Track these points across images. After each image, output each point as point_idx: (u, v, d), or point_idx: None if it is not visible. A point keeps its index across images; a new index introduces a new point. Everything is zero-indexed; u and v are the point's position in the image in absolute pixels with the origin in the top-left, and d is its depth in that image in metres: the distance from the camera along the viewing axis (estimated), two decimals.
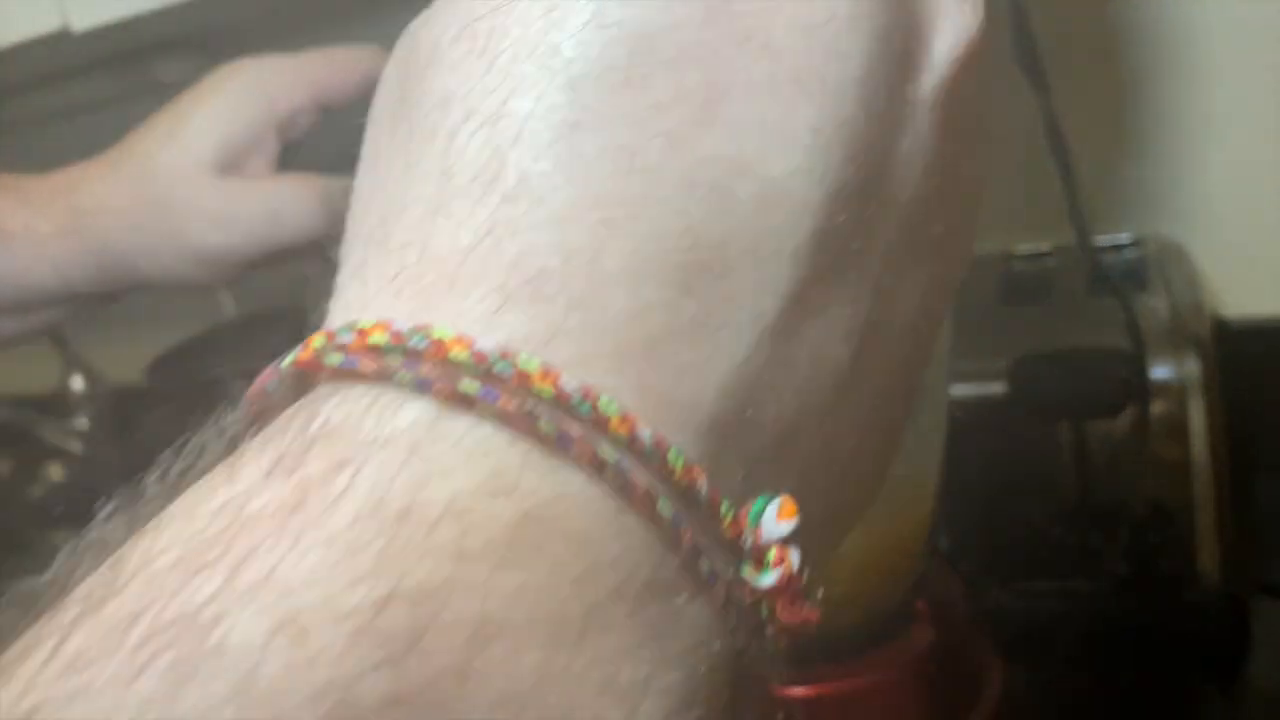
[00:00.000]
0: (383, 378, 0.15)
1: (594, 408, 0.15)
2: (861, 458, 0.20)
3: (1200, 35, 0.67)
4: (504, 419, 0.15)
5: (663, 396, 0.16)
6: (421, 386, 0.15)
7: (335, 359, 0.15)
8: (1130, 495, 0.52)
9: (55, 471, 1.04)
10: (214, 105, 0.49)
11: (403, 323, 0.15)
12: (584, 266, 0.16)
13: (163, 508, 0.16)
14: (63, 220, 0.51)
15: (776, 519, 0.16)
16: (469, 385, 0.15)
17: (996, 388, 0.54)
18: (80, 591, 0.15)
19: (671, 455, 0.15)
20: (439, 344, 0.15)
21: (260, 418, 0.17)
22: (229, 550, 0.14)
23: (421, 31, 0.18)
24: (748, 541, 0.16)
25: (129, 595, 0.14)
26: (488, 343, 0.15)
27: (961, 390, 0.54)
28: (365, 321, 0.15)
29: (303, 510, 0.14)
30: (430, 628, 0.13)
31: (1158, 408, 0.51)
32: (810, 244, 0.17)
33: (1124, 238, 0.65)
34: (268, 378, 0.17)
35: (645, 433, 0.15)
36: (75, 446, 1.03)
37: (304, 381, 0.16)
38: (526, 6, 0.17)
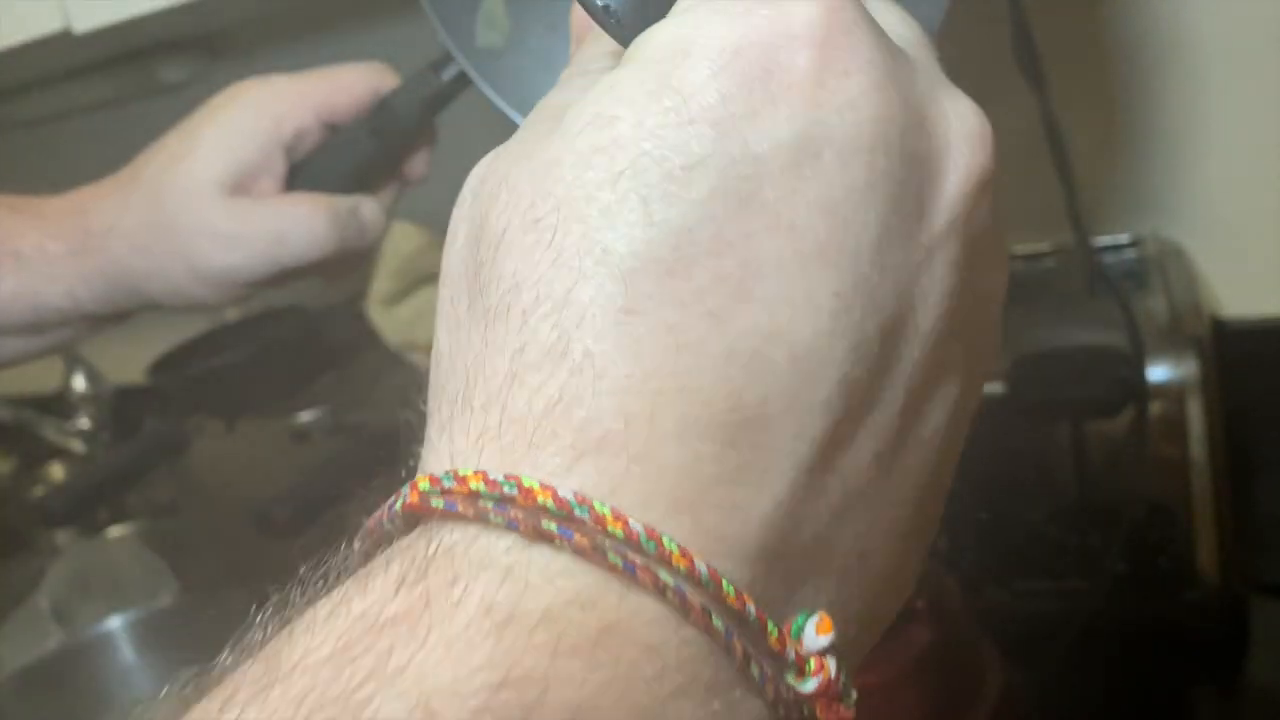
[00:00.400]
0: (480, 519, 0.18)
1: (658, 545, 0.18)
2: (897, 561, 0.22)
3: (1198, 37, 0.67)
4: (580, 552, 0.18)
5: (713, 532, 0.19)
6: (511, 525, 0.18)
7: (439, 503, 0.19)
8: (1129, 495, 0.52)
9: (56, 471, 1.04)
10: (221, 127, 0.50)
11: (495, 472, 0.19)
12: (642, 429, 0.19)
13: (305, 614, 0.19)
14: (74, 241, 0.51)
15: (816, 633, 0.19)
16: (549, 525, 0.18)
17: (996, 388, 0.54)
18: (245, 679, 0.18)
19: (725, 585, 0.18)
20: (528, 491, 0.18)
21: (375, 547, 0.20)
22: (372, 647, 0.17)
23: (491, 212, 0.21)
24: (791, 654, 0.19)
25: (293, 682, 0.17)
26: (566, 491, 0.18)
27: None
28: (464, 470, 0.19)
29: (428, 614, 0.17)
30: (536, 708, 0.17)
31: (1156, 408, 0.52)
32: (839, 391, 0.20)
33: (1123, 238, 0.65)
34: (382, 516, 0.20)
35: (702, 567, 0.18)
36: (76, 446, 1.03)
37: (411, 519, 0.20)
38: (584, 206, 0.20)
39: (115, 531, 0.87)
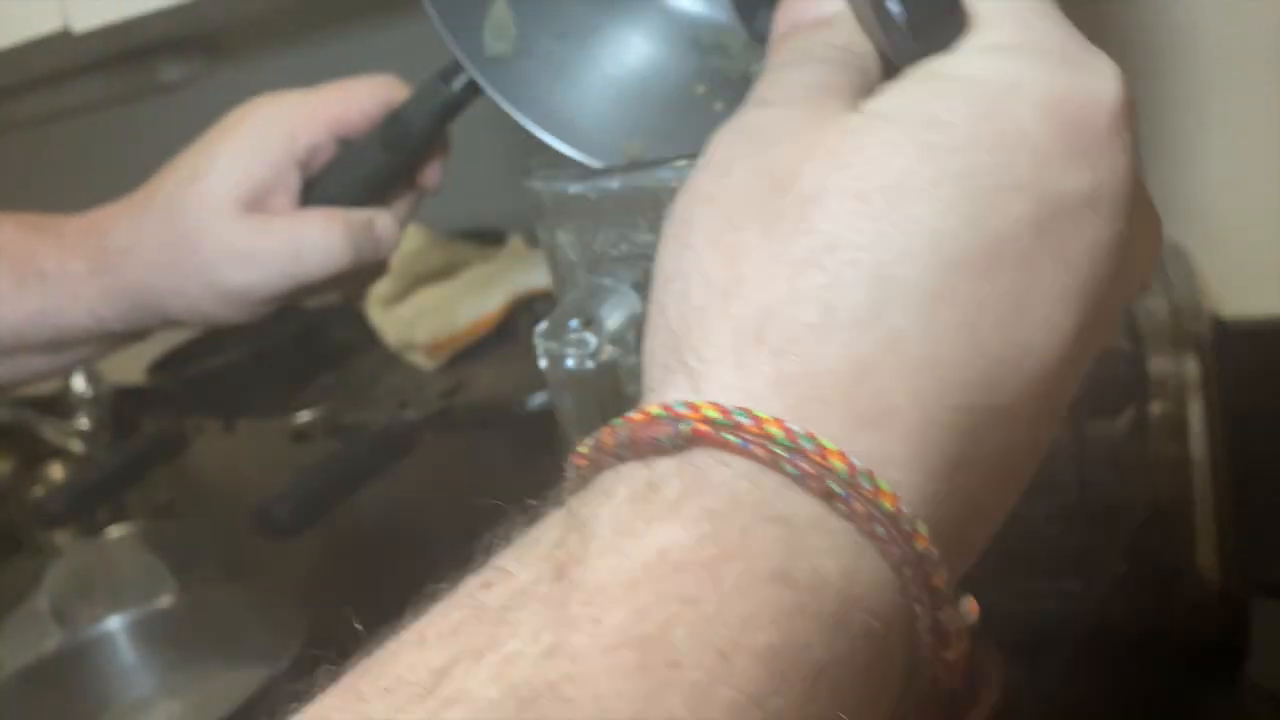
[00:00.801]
0: (773, 466, 0.20)
1: (913, 525, 0.20)
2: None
3: (1199, 37, 0.67)
4: (852, 519, 0.20)
5: (951, 519, 0.22)
6: (800, 481, 0.20)
7: (733, 439, 0.20)
8: (1129, 495, 0.52)
9: (56, 471, 1.05)
10: (235, 144, 0.50)
11: (793, 423, 0.20)
12: (920, 411, 0.21)
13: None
14: (95, 261, 0.51)
15: (969, 609, 0.23)
16: (835, 487, 0.20)
17: None
18: (537, 584, 0.20)
19: (940, 576, 0.21)
20: (823, 450, 0.20)
21: (642, 456, 0.21)
22: (674, 589, 0.19)
23: (803, 166, 0.22)
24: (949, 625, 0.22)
25: (634, 596, 0.19)
26: (854, 458, 0.20)
27: None
28: (760, 411, 0.20)
29: (728, 561, 0.19)
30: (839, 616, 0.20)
31: (1157, 407, 0.52)
32: (1062, 407, 0.24)
33: None
34: (661, 430, 0.21)
35: (943, 576, 0.21)
36: (76, 446, 1.03)
37: (686, 440, 0.21)
38: (915, 193, 0.21)
39: (115, 532, 0.87)
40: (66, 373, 0.58)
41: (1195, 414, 0.51)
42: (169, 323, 0.53)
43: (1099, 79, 0.23)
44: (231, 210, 0.49)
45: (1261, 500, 0.65)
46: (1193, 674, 0.53)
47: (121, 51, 0.84)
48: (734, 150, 0.24)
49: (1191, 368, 0.51)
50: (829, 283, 0.21)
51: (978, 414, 0.21)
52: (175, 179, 0.51)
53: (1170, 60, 0.68)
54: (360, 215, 0.50)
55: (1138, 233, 0.24)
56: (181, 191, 0.50)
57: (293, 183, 0.50)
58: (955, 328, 0.21)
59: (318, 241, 0.49)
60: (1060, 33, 0.24)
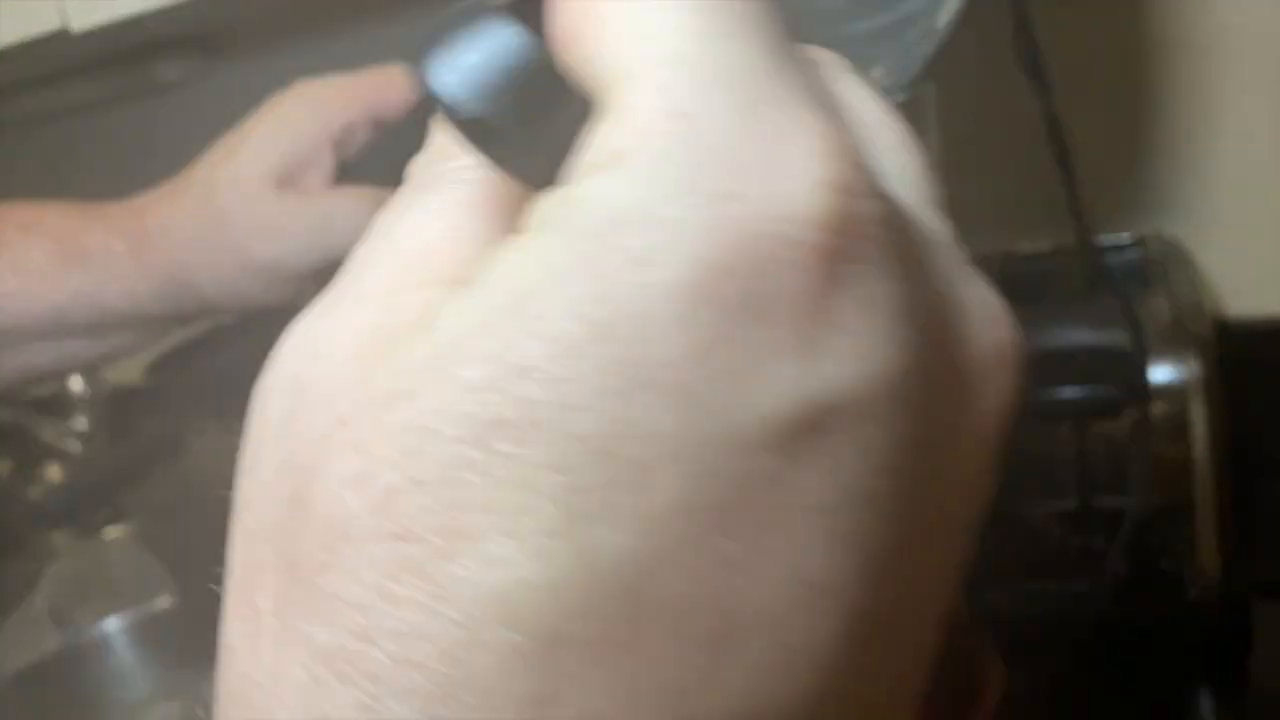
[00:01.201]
0: None
1: None
2: None
3: (1201, 36, 0.67)
4: None
5: None
6: None
7: None
8: (1131, 495, 0.52)
9: (54, 472, 1.04)
10: (271, 124, 0.52)
11: None
12: None
13: None
14: (135, 239, 0.53)
15: None
16: None
17: None
18: None
19: None
20: None
21: None
22: None
23: (318, 466, 0.14)
24: None
25: None
26: None
27: None
28: None
29: None
30: None
31: (1159, 408, 0.52)
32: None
33: (1125, 238, 0.65)
34: None
35: None
36: (74, 447, 1.03)
37: None
38: (474, 515, 0.13)
39: (113, 533, 0.87)
40: (105, 362, 0.61)
41: (1197, 415, 0.51)
42: (203, 306, 0.55)
43: (786, 205, 0.13)
44: (263, 186, 0.51)
45: (1264, 501, 0.65)
46: (1194, 674, 0.53)
47: (121, 51, 0.84)
48: (270, 410, 0.15)
49: (1193, 368, 0.51)
50: (352, 701, 0.13)
51: None
52: (212, 159, 0.53)
53: (1174, 59, 0.68)
54: (392, 194, 0.51)
55: (952, 407, 0.15)
56: (216, 170, 0.52)
57: (326, 162, 0.52)
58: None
59: (348, 217, 0.50)
60: (740, 103, 0.14)
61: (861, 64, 0.44)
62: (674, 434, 0.13)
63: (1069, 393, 0.52)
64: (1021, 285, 0.66)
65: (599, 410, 0.13)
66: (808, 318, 0.13)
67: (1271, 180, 0.67)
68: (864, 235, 0.14)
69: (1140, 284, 0.60)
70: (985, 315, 0.16)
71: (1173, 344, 0.52)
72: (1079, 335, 0.54)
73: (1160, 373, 0.52)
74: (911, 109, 0.34)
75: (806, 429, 0.13)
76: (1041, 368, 0.53)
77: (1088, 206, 0.64)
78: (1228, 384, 0.53)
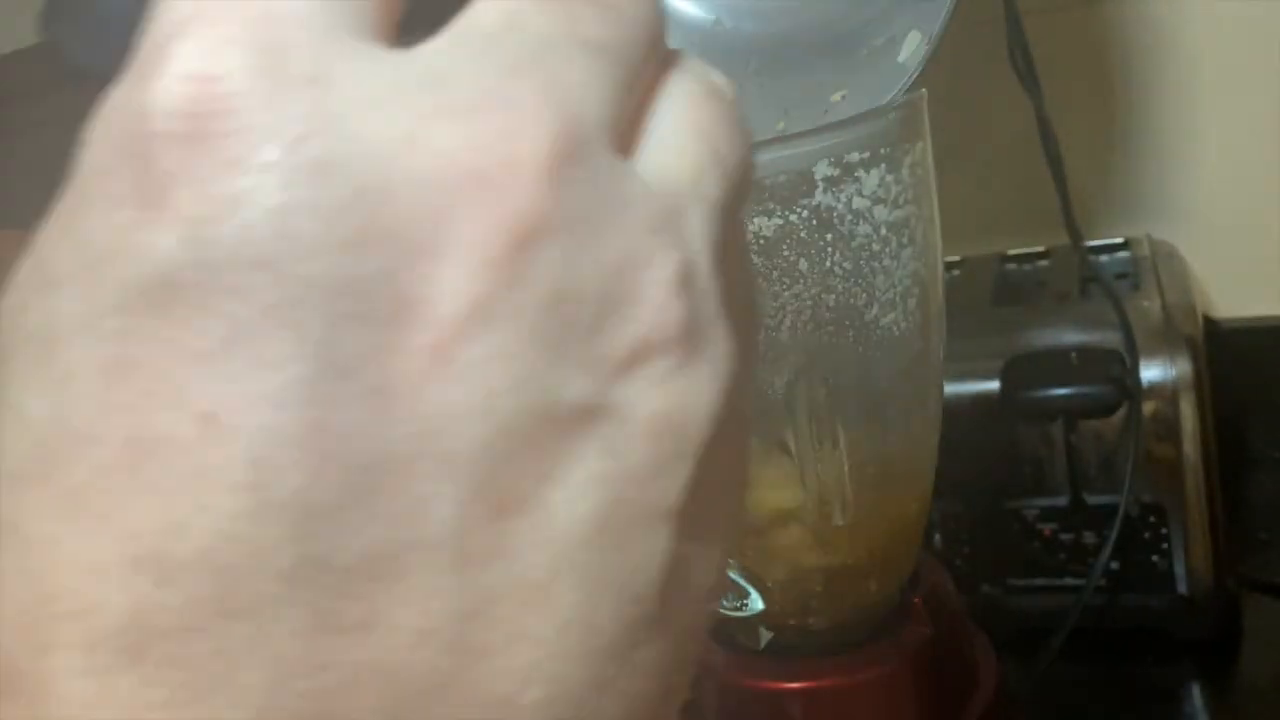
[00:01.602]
0: None
1: None
2: None
3: (1190, 40, 0.67)
4: None
5: None
6: None
7: None
8: (1122, 493, 0.52)
9: None
10: None
11: None
12: None
13: None
14: None
15: None
16: None
17: (990, 387, 0.54)
18: None
19: None
20: None
21: None
22: None
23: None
24: None
25: None
26: None
27: (956, 389, 0.55)
28: None
29: None
30: None
31: (1149, 407, 0.52)
32: None
33: (1116, 239, 0.66)
34: None
35: None
36: None
37: None
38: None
39: None
40: None
41: (1188, 413, 0.52)
42: None
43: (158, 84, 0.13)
44: None
45: (1252, 497, 0.65)
46: (1185, 671, 0.54)
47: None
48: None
49: (1183, 367, 0.52)
50: None
51: None
52: None
53: (1163, 64, 0.68)
54: None
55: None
56: None
57: None
58: None
59: None
60: None
61: (826, 89, 0.45)
62: None
63: (1060, 392, 0.52)
64: (1014, 286, 0.66)
65: None
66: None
67: (1260, 183, 0.68)
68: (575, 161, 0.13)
69: (1131, 285, 0.60)
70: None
71: (1163, 344, 0.52)
72: (1070, 335, 0.55)
73: (1150, 372, 0.52)
74: (904, 114, 0.34)
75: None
76: (1033, 367, 0.54)
77: (1079, 209, 0.65)
78: (1217, 383, 0.54)
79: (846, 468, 0.37)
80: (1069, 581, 0.55)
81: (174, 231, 0.12)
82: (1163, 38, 0.67)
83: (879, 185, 0.34)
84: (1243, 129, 0.67)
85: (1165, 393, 0.52)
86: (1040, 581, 0.56)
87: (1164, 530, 0.53)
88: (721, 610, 0.36)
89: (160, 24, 0.13)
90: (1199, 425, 0.52)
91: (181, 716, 0.12)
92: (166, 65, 0.13)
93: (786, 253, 0.33)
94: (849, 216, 0.33)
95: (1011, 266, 0.67)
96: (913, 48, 0.40)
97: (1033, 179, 0.69)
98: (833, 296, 0.34)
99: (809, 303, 0.33)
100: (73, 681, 0.12)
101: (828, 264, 0.33)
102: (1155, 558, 0.54)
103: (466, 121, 0.13)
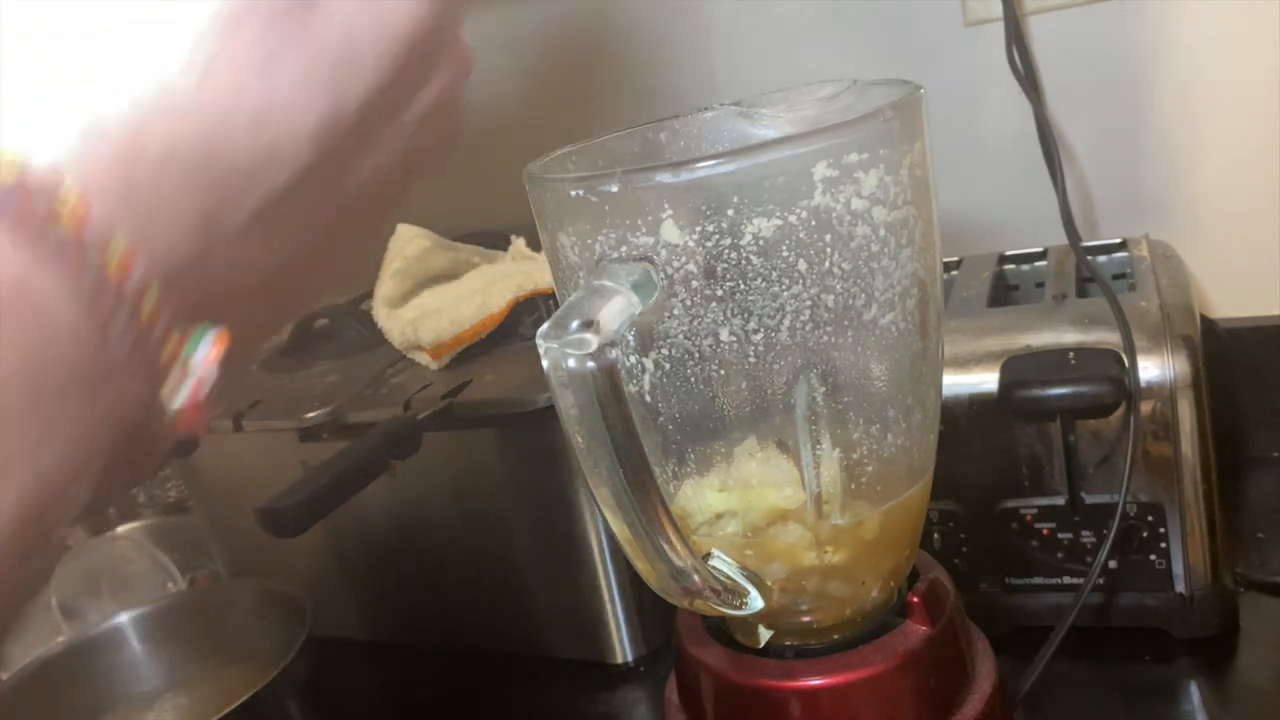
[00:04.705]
0: None
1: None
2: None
3: (1188, 44, 0.67)
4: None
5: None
6: None
7: None
8: (1120, 492, 0.52)
9: None
10: None
11: None
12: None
13: None
14: None
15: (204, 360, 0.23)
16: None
17: (988, 387, 0.54)
18: None
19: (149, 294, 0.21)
20: None
21: None
22: None
23: None
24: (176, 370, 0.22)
25: None
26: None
27: (954, 389, 0.55)
28: None
29: None
30: None
31: (1147, 407, 0.52)
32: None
33: (1114, 240, 0.66)
34: None
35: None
36: None
37: None
38: None
39: (124, 529, 0.88)
40: None
41: (1185, 413, 0.52)
42: None
43: None
44: None
45: (1249, 496, 0.65)
46: (1183, 668, 0.54)
47: None
48: None
49: (1181, 368, 0.52)
50: None
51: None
52: None
53: (1162, 67, 0.68)
54: None
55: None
56: None
57: None
58: None
59: None
60: None
61: None
62: None
63: (1059, 392, 0.52)
64: (1012, 286, 0.67)
65: None
66: None
67: (1257, 185, 0.68)
68: None
69: (1128, 285, 0.60)
70: None
71: (1161, 344, 0.52)
72: (1069, 335, 0.55)
73: (1148, 372, 0.52)
74: (903, 114, 0.35)
75: None
76: (1032, 367, 0.54)
77: (1078, 210, 0.65)
78: (1214, 383, 0.54)
79: (846, 467, 0.37)
80: (1067, 580, 0.55)
81: None
82: (1162, 43, 0.68)
83: (878, 186, 0.34)
84: (1240, 133, 0.67)
85: (1163, 392, 0.52)
86: (1038, 580, 0.56)
87: (1162, 529, 0.53)
88: (722, 610, 0.36)
89: None
90: (1196, 425, 0.52)
91: None
92: None
93: (786, 253, 0.33)
94: (848, 217, 0.33)
95: (1010, 267, 0.67)
96: None
97: (1033, 180, 0.69)
98: (832, 297, 0.34)
99: (808, 303, 0.34)
100: None
101: (827, 264, 0.33)
102: (1153, 557, 0.54)
103: None
